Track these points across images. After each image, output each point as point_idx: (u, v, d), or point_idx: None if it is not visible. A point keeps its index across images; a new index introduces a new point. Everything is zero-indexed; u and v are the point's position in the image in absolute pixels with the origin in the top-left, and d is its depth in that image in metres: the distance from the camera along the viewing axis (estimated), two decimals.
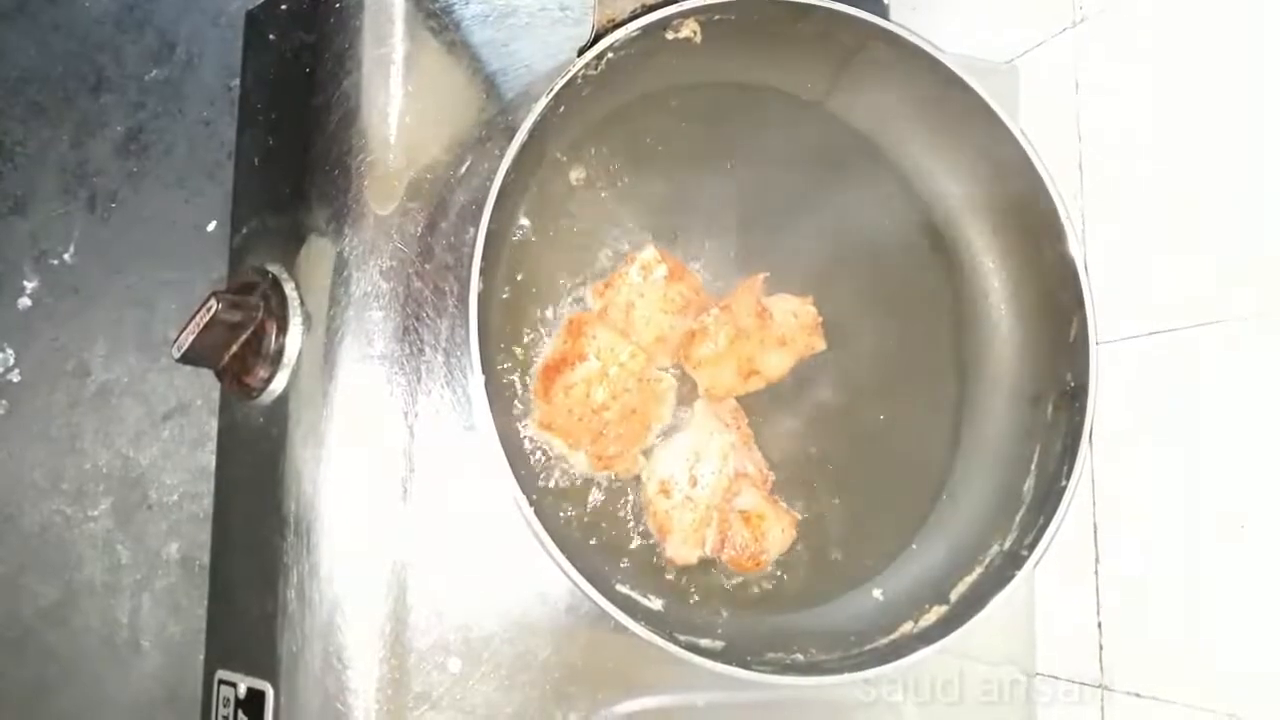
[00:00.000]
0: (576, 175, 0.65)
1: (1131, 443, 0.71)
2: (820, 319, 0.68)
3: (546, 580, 0.60)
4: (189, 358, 0.66)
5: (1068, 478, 0.62)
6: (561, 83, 0.57)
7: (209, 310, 0.64)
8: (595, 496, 0.63)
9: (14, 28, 0.87)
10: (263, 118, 0.83)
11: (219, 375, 0.69)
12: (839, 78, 0.69)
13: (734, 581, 0.64)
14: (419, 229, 0.62)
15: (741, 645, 0.60)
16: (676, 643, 0.55)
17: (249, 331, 0.64)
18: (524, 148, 0.56)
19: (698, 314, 0.65)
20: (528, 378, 0.62)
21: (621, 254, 0.65)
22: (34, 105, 0.87)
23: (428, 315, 0.61)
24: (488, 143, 0.63)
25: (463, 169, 0.63)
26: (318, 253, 0.64)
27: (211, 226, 0.88)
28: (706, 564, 0.64)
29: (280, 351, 0.64)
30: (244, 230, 0.81)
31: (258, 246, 0.75)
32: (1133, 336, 0.71)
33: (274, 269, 0.68)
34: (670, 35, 0.62)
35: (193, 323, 0.65)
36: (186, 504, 0.84)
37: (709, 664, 0.55)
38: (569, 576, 0.53)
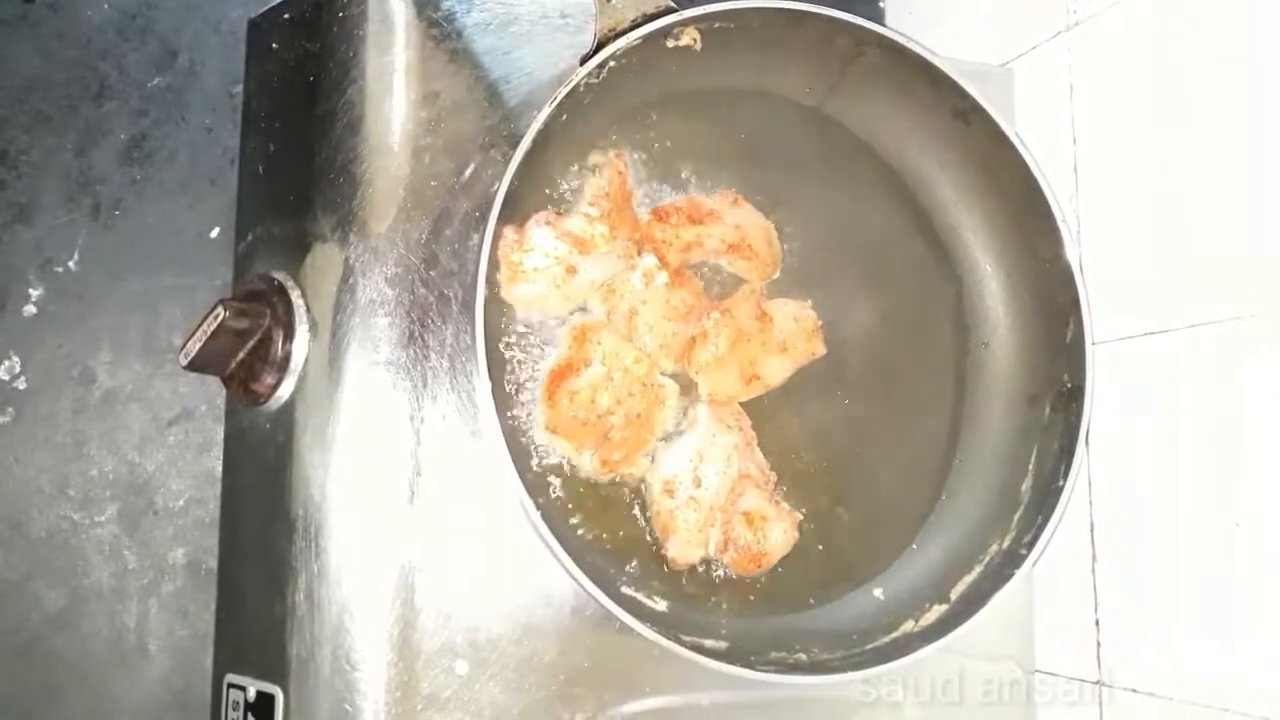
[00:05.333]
0: (578, 182, 0.66)
1: (1128, 442, 0.72)
2: (820, 323, 0.69)
3: (552, 582, 0.61)
4: (196, 365, 0.66)
5: (1065, 477, 0.63)
6: (564, 91, 0.58)
7: (216, 318, 0.64)
8: (600, 499, 0.63)
9: (17, 36, 0.88)
10: (266, 125, 0.83)
11: (225, 382, 0.69)
12: (837, 83, 0.70)
13: (737, 582, 0.65)
14: (424, 236, 0.62)
15: (745, 645, 0.61)
16: (681, 643, 0.56)
17: (256, 339, 0.65)
18: (528, 155, 0.57)
19: (699, 320, 0.65)
20: (533, 382, 0.62)
21: (624, 260, 0.66)
22: (37, 113, 0.87)
23: (433, 321, 0.61)
24: (491, 150, 0.64)
25: (466, 176, 0.64)
26: (323, 260, 0.65)
27: (215, 233, 0.88)
28: (710, 565, 0.65)
29: (287, 358, 0.65)
30: (249, 237, 0.81)
31: (263, 253, 0.75)
32: (1129, 337, 0.72)
33: (279, 276, 0.68)
34: (671, 43, 0.63)
35: (199, 330, 0.65)
36: (193, 509, 0.85)
37: (713, 664, 0.56)
38: (574, 579, 0.54)
